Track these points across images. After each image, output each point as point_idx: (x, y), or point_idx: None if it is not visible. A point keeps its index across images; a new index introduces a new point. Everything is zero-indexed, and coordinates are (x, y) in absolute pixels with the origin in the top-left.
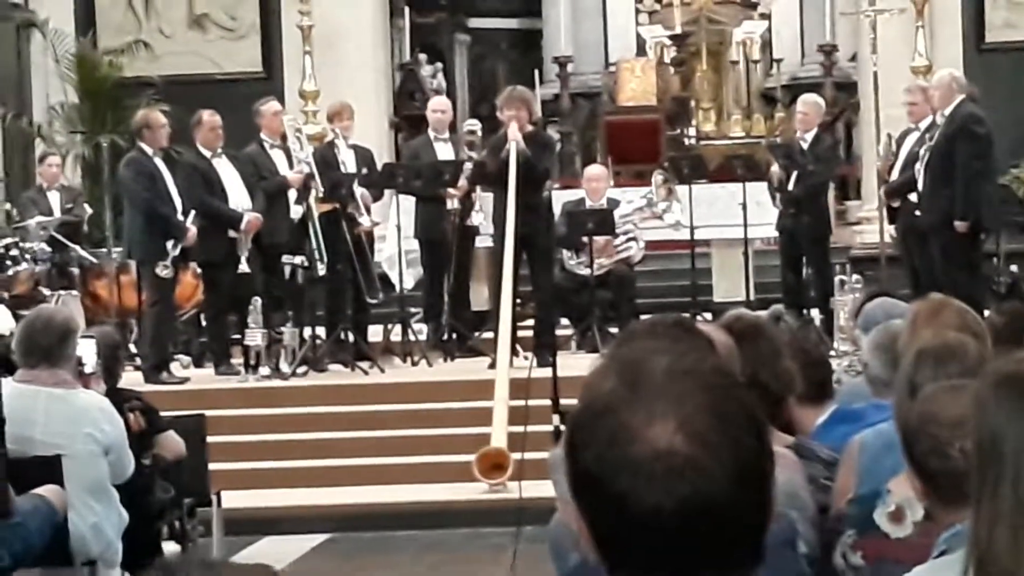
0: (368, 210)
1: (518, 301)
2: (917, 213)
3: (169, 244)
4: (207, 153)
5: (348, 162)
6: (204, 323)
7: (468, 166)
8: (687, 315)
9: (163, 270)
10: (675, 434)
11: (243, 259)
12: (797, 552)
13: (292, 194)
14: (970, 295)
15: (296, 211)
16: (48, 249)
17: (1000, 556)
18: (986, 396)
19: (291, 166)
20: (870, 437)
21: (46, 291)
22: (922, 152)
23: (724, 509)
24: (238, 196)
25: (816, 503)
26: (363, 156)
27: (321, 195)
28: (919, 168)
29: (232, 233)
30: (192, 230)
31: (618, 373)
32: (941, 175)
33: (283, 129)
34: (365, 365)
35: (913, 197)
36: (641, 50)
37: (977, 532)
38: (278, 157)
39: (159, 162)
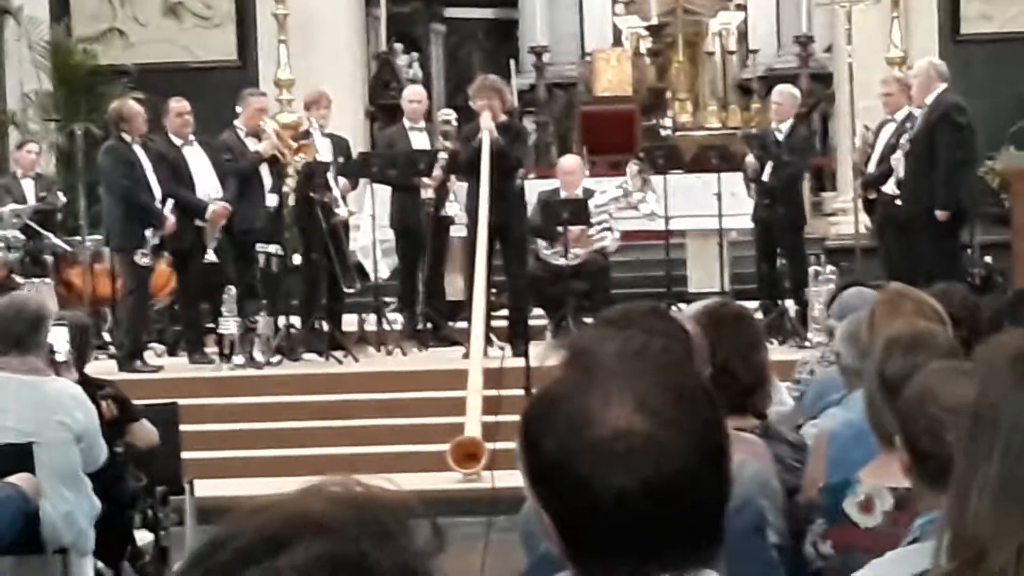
0: (344, 199)
1: (492, 291)
2: (898, 202)
3: (148, 232)
4: (178, 141)
5: (323, 151)
6: (177, 311)
7: (443, 156)
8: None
9: (142, 258)
10: (634, 413)
11: (210, 248)
12: (767, 540)
13: (267, 182)
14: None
15: (271, 199)
16: (22, 237)
17: (978, 523)
18: (999, 368)
19: None
20: (840, 428)
21: (19, 279)
22: (903, 141)
23: (687, 485)
24: (207, 184)
25: (784, 484)
26: (339, 145)
27: (296, 170)
28: (899, 157)
29: (199, 222)
30: (171, 218)
31: (569, 361)
32: (923, 163)
33: (261, 126)
34: (339, 354)
35: (890, 188)
36: (617, 40)
37: (959, 498)
38: (252, 144)
39: (138, 150)
